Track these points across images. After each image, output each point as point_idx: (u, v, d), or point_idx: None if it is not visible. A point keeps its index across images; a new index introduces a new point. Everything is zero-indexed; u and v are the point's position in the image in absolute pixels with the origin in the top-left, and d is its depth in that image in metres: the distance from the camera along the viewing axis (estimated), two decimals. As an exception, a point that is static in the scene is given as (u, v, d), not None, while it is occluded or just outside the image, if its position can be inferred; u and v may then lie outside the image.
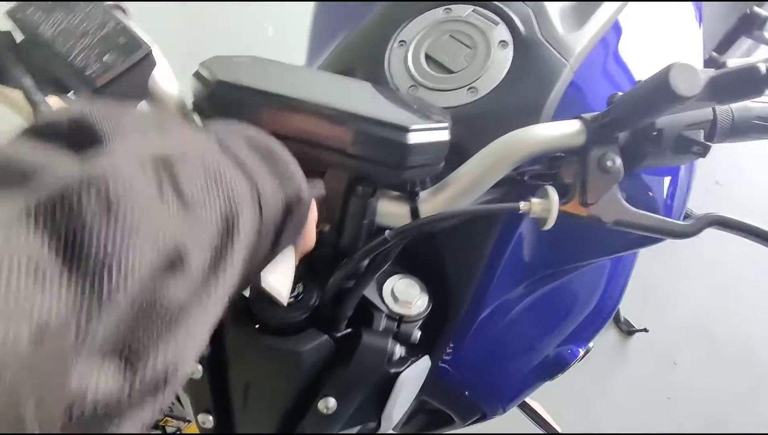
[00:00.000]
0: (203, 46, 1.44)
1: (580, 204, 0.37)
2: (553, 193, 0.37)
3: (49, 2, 0.34)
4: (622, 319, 1.40)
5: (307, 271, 0.40)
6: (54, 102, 0.34)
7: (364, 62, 0.51)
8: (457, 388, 0.51)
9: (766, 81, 0.30)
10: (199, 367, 0.40)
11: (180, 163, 0.22)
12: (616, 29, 0.51)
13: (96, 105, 0.23)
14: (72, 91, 0.35)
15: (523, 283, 0.50)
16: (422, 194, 0.41)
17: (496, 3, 0.49)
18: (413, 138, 0.36)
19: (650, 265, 1.39)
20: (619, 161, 0.37)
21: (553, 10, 0.49)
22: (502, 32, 0.48)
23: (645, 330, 1.38)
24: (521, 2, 0.49)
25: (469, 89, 0.46)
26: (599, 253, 0.50)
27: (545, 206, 0.37)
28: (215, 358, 0.40)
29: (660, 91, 0.30)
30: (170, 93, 0.41)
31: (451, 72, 0.48)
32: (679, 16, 0.57)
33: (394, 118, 0.36)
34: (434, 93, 0.47)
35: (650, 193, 0.46)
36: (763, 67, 0.30)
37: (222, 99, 0.36)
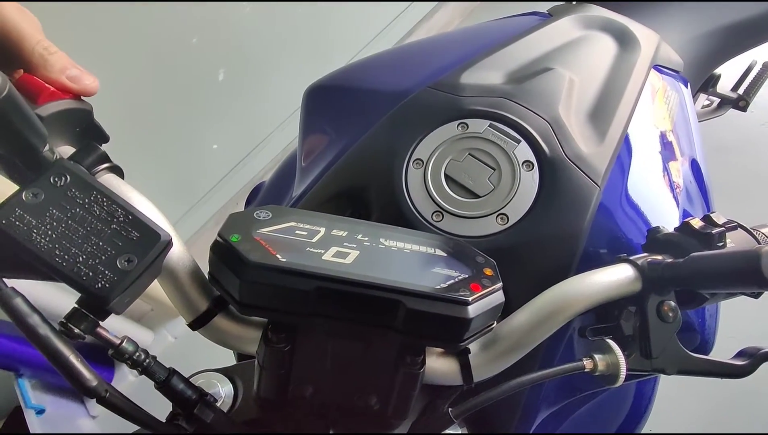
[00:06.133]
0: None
1: (643, 357, 0.36)
2: (616, 349, 0.35)
3: (41, 197, 0.28)
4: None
5: None
6: None
7: (378, 182, 0.48)
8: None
9: None
10: None
11: None
12: (626, 142, 0.50)
13: None
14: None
15: (566, 400, 0.48)
16: (472, 348, 0.38)
17: (512, 118, 0.48)
18: (473, 310, 0.33)
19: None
20: (677, 309, 0.36)
21: (570, 123, 0.48)
22: (524, 151, 0.46)
23: None
24: (537, 116, 0.48)
25: (498, 216, 0.44)
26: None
27: (611, 361, 0.35)
28: None
29: (746, 276, 0.29)
30: (184, 264, 0.36)
31: (476, 196, 0.45)
32: (680, 104, 0.58)
33: (451, 290, 0.33)
34: (461, 221, 0.44)
35: (694, 329, 0.45)
36: None
37: (258, 285, 0.32)
